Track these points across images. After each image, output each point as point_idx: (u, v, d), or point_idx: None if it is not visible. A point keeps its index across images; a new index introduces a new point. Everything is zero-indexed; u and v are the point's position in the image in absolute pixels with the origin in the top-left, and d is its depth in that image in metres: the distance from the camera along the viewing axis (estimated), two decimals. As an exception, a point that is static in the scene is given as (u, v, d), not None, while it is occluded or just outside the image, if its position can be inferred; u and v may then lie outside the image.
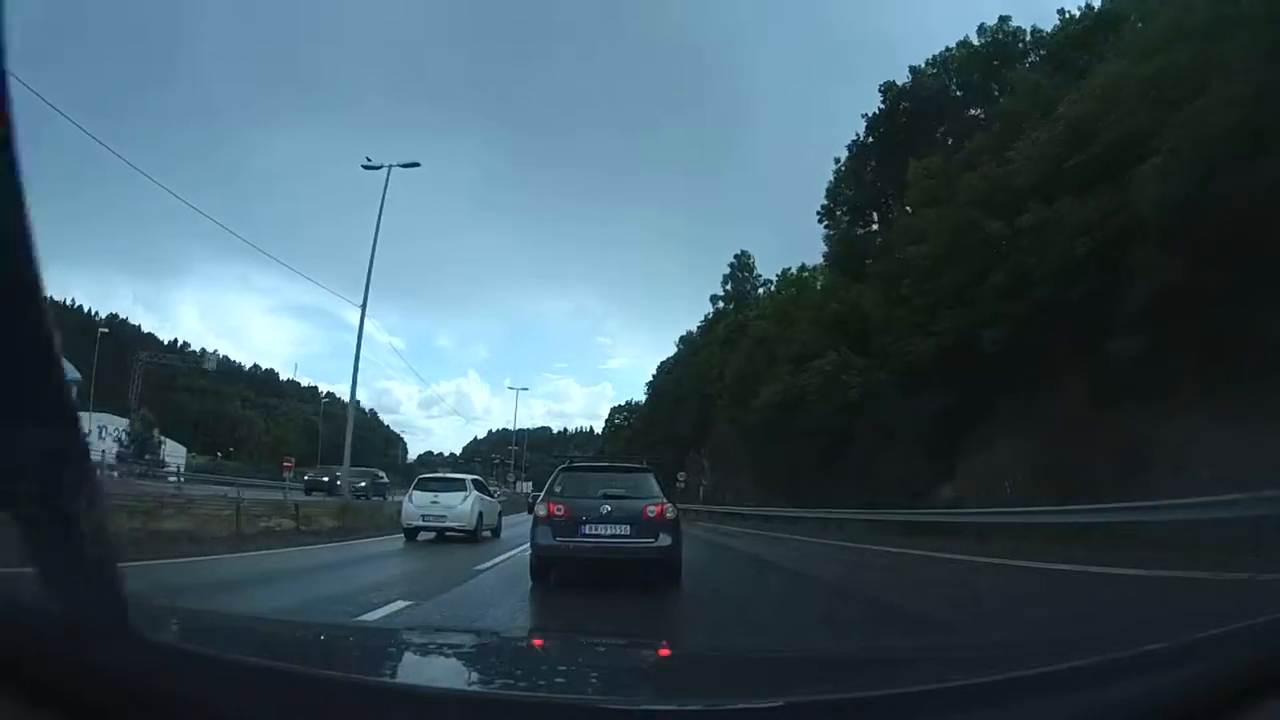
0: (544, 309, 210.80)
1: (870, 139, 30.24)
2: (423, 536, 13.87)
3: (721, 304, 56.37)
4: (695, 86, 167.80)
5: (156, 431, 34.86)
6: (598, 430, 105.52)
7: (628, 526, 6.96)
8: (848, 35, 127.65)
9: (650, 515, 7.04)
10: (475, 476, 18.23)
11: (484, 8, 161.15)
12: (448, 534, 13.91)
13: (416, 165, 21.70)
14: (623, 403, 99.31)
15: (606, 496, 7.20)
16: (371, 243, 20.89)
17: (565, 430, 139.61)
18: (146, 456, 31.73)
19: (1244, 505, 7.84)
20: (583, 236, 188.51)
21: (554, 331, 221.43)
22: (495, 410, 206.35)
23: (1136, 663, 0.98)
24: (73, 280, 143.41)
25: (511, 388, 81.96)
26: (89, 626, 0.98)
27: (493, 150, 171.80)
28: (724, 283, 57.01)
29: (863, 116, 30.38)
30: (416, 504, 14.31)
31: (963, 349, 16.79)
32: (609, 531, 6.95)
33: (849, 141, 31.47)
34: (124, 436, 32.77)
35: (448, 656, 1.70)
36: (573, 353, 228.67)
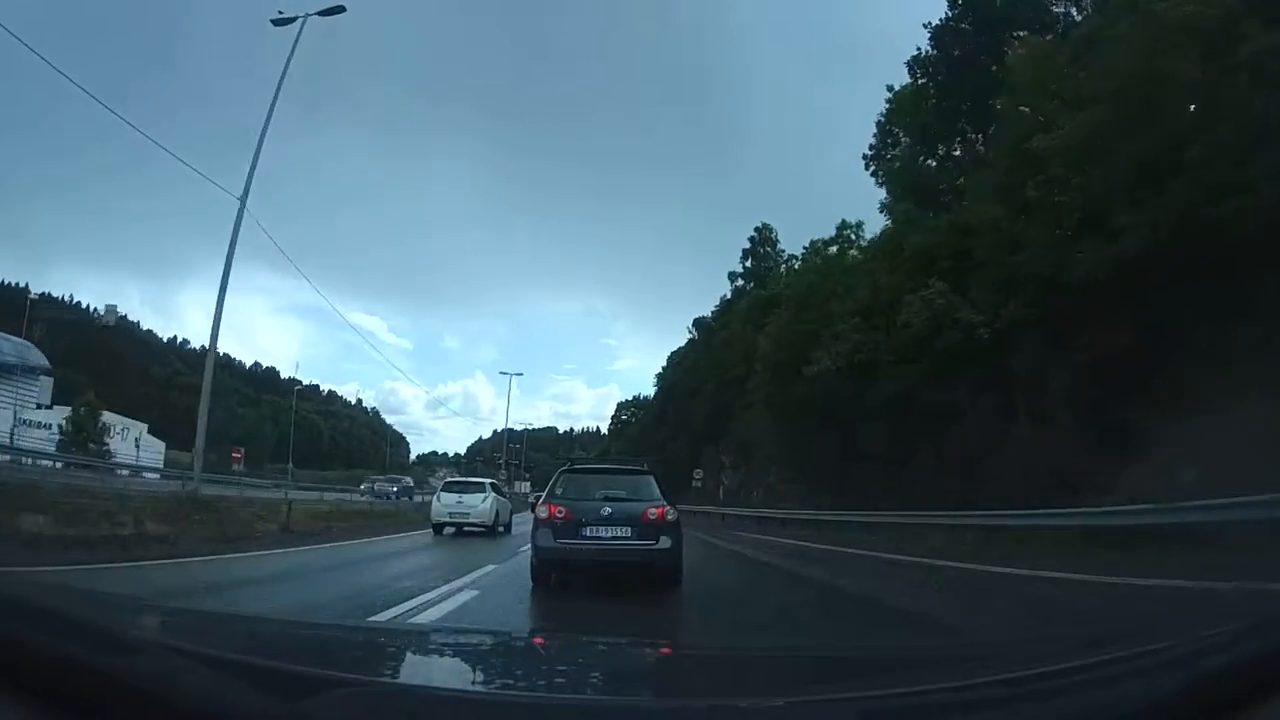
0: (552, 309, 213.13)
1: (935, 51, 25.71)
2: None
3: (741, 281, 51.47)
4: (702, 85, 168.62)
5: (103, 419, 32.71)
6: (605, 430, 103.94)
7: (628, 529, 7.11)
8: (855, 32, 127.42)
9: (651, 517, 7.21)
10: (493, 480, 22.42)
11: (495, 7, 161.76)
12: (466, 529, 16.77)
13: (340, 11, 17.71)
14: (630, 398, 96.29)
15: (607, 499, 7.36)
16: (266, 115, 17.11)
17: (571, 430, 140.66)
18: (91, 446, 26.79)
19: None
20: (591, 236, 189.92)
21: (561, 332, 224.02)
22: (501, 410, 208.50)
23: (1136, 663, 1.00)
24: (82, 281, 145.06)
25: (504, 373, 70.12)
26: (90, 627, 1.00)
27: (500, 149, 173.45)
28: (743, 259, 52.18)
29: (924, 26, 26.34)
30: (444, 503, 17.36)
31: (1165, 251, 11.43)
32: (609, 534, 7.09)
33: (908, 58, 27.09)
34: (63, 423, 30.04)
35: (449, 656, 1.73)
36: (580, 354, 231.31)
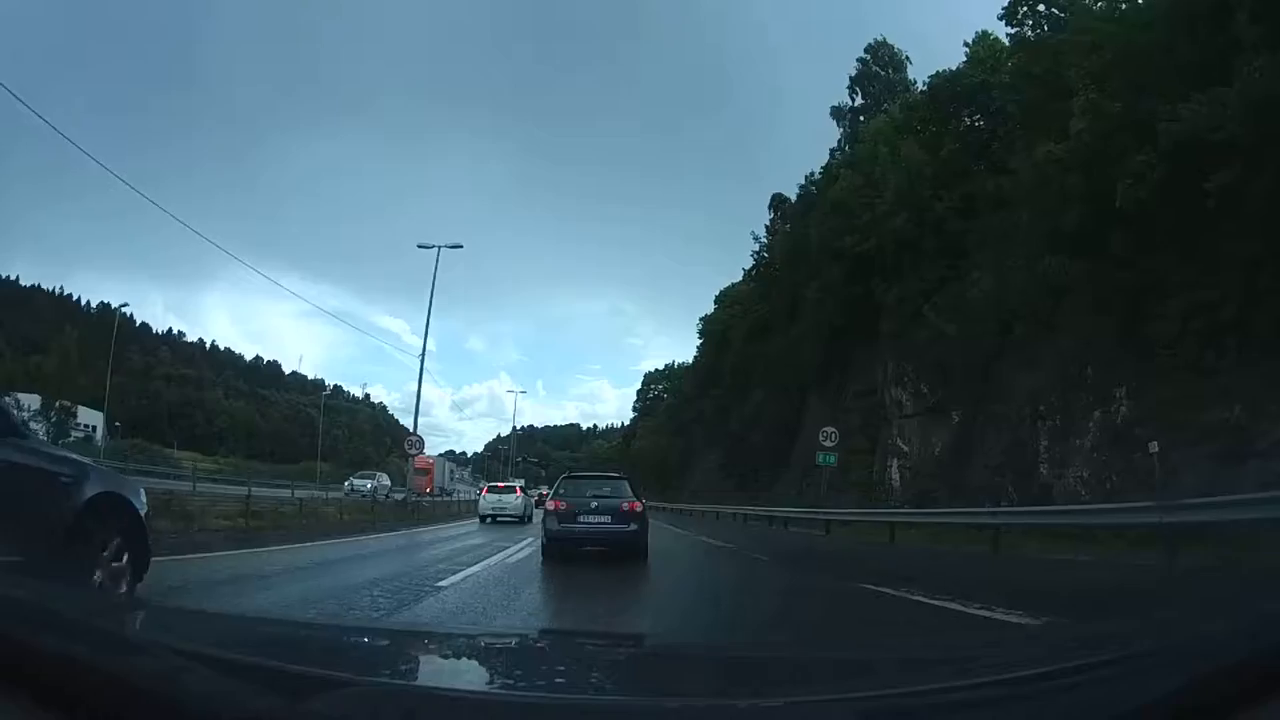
0: (576, 309, 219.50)
1: None
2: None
3: (850, 120, 37.18)
4: (724, 89, 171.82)
5: None
6: (627, 423, 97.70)
7: (609, 517, 10.39)
8: (875, 33, 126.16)
9: (625, 509, 10.53)
10: (521, 482, 34.43)
11: (517, 10, 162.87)
12: (500, 519, 24.22)
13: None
14: (660, 368, 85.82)
15: (594, 496, 10.70)
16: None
17: (595, 427, 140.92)
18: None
19: None
20: (616, 238, 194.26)
21: (586, 332, 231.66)
22: (526, 411, 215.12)
23: (1136, 662, 1.04)
24: (103, 286, 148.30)
25: (424, 246, 27.71)
26: (89, 626, 1.05)
27: (525, 152, 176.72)
28: (852, 90, 37.33)
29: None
30: (488, 501, 26.18)
31: None
32: (596, 520, 10.35)
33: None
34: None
35: (449, 656, 1.79)
36: (605, 354, 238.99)
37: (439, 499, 37.05)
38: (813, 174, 38.73)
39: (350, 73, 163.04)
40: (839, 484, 22.39)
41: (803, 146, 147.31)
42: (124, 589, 4.62)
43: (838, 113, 38.08)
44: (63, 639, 0.95)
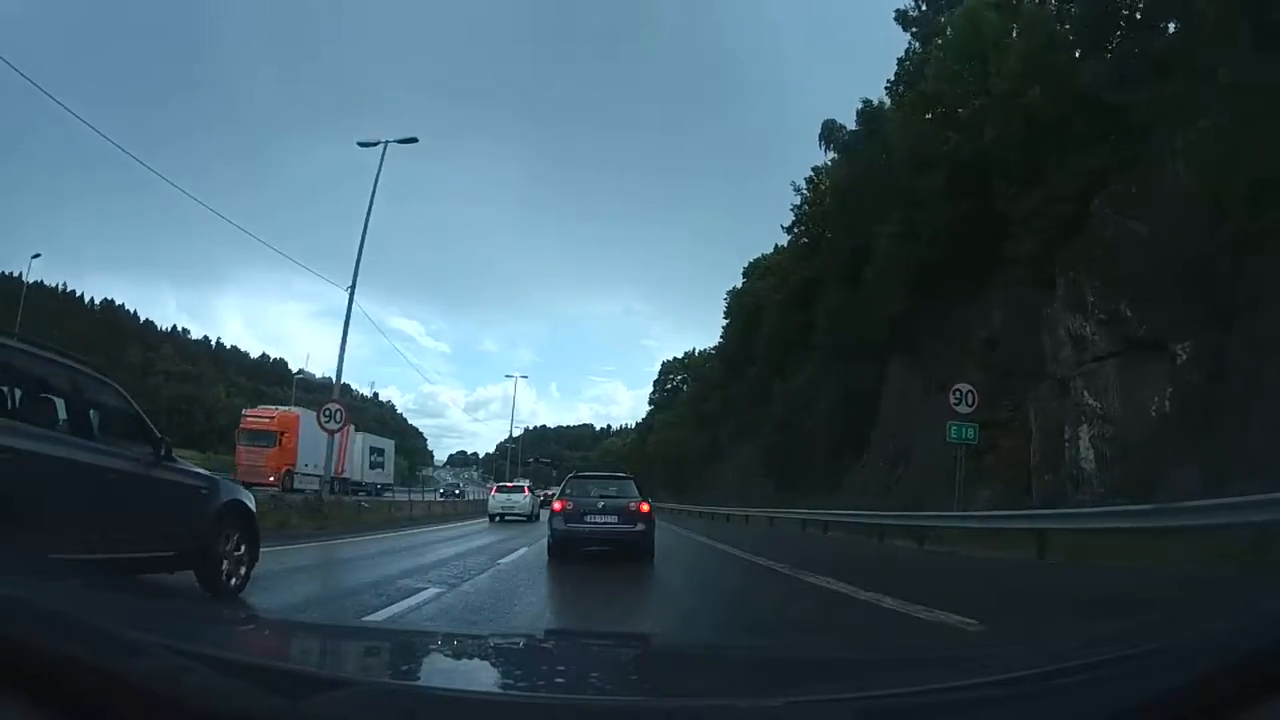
0: (590, 311, 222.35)
1: None
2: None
3: (915, 31, 30.50)
4: (736, 88, 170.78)
5: None
6: (641, 421, 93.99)
7: (615, 517, 10.47)
8: (889, 32, 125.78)
9: (632, 509, 10.59)
10: (528, 481, 35.20)
11: (527, 12, 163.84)
12: (509, 518, 25.22)
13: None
14: (679, 356, 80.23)
15: (601, 496, 10.81)
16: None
17: (609, 427, 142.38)
18: None
19: None
20: (629, 238, 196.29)
21: (600, 334, 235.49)
22: (540, 412, 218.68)
23: (1136, 662, 1.04)
24: (116, 287, 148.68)
25: (364, 144, 21.40)
26: (89, 626, 1.06)
27: (538, 153, 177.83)
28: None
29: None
30: (498, 500, 27.27)
31: None
32: (603, 520, 10.44)
33: None
34: None
35: (449, 656, 1.80)
36: (620, 356, 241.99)
37: (351, 496, 24.41)
38: (870, 102, 31.86)
39: (360, 74, 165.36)
40: (968, 473, 15.16)
41: (814, 144, 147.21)
42: (243, 572, 6.01)
43: (903, 17, 31.48)
44: (62, 639, 0.95)
